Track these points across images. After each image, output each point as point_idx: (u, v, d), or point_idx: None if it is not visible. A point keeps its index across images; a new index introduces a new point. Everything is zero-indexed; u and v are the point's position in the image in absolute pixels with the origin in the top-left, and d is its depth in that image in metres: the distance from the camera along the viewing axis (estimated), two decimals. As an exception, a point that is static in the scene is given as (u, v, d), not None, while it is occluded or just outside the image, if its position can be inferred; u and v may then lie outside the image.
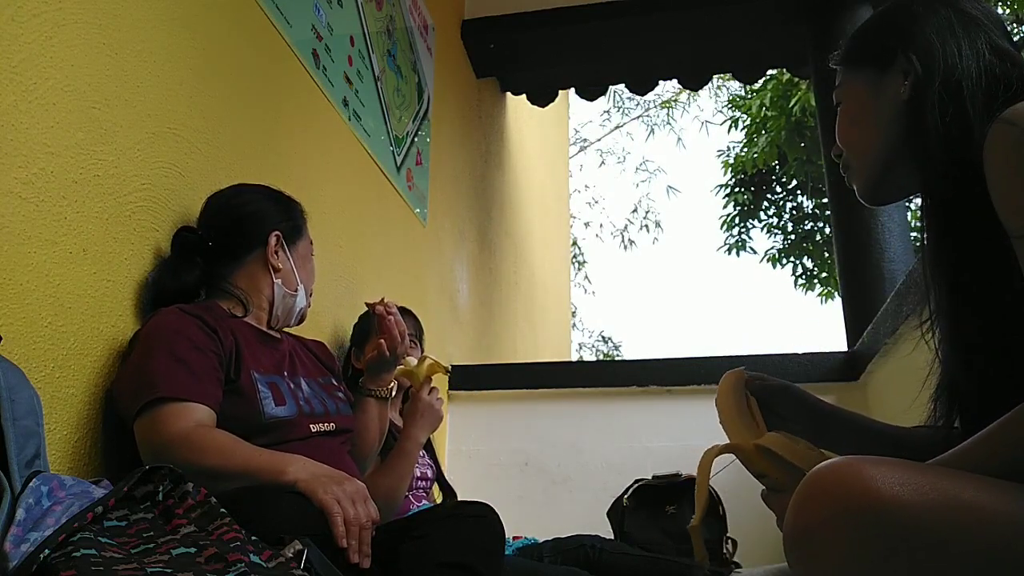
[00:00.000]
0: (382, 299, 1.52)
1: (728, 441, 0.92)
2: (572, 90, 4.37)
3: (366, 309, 1.59)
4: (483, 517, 1.18)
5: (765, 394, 1.00)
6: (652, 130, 11.84)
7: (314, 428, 1.30)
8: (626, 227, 12.25)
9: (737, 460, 0.91)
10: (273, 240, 1.39)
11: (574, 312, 10.71)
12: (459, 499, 1.87)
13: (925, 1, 0.90)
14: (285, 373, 1.35)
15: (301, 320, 1.47)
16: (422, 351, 2.08)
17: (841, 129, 0.97)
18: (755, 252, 8.37)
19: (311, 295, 1.49)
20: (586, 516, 2.25)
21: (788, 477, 0.85)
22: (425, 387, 1.67)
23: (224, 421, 1.17)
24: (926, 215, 0.85)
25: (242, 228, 1.38)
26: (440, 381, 2.74)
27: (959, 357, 0.81)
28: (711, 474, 0.89)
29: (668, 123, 11.66)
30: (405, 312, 2.03)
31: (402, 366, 1.64)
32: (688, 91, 8.76)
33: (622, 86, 4.95)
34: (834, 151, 0.99)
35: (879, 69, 0.90)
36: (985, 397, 0.76)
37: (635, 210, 12.46)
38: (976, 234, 0.77)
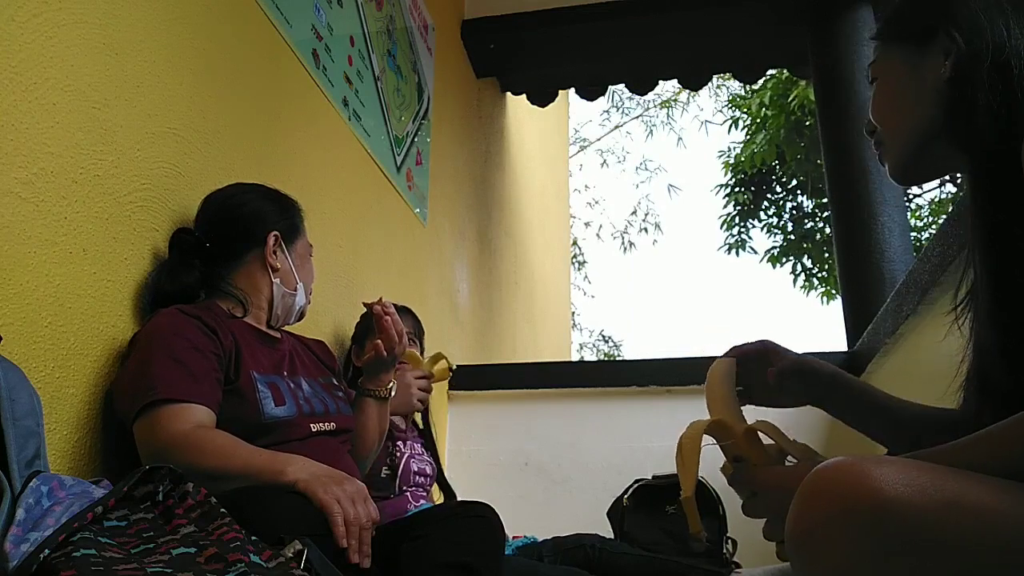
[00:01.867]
0: (380, 299, 1.52)
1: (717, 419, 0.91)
2: (572, 90, 4.37)
3: (366, 309, 1.58)
4: (483, 517, 1.18)
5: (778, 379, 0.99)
6: (651, 131, 11.86)
7: (314, 428, 1.30)
8: (626, 229, 12.26)
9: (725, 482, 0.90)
10: (271, 240, 1.39)
11: (574, 312, 10.71)
12: (459, 499, 1.87)
13: None
14: (285, 373, 1.35)
15: (301, 318, 1.48)
16: (422, 351, 2.08)
17: (876, 106, 0.94)
18: (755, 252, 8.38)
19: (310, 293, 1.49)
20: (586, 516, 2.25)
21: (765, 465, 0.84)
22: (419, 373, 1.69)
23: (224, 422, 1.17)
24: (972, 196, 0.82)
25: (240, 228, 1.38)
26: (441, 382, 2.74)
27: (996, 341, 0.78)
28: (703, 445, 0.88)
29: (668, 123, 11.68)
30: (405, 311, 2.03)
31: (410, 350, 1.66)
32: (688, 91, 8.77)
33: (622, 86, 4.95)
34: (867, 127, 0.96)
35: (918, 46, 0.87)
36: (1019, 384, 0.74)
37: (635, 212, 12.47)
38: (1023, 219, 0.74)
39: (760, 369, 1.00)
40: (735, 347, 1.03)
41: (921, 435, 0.96)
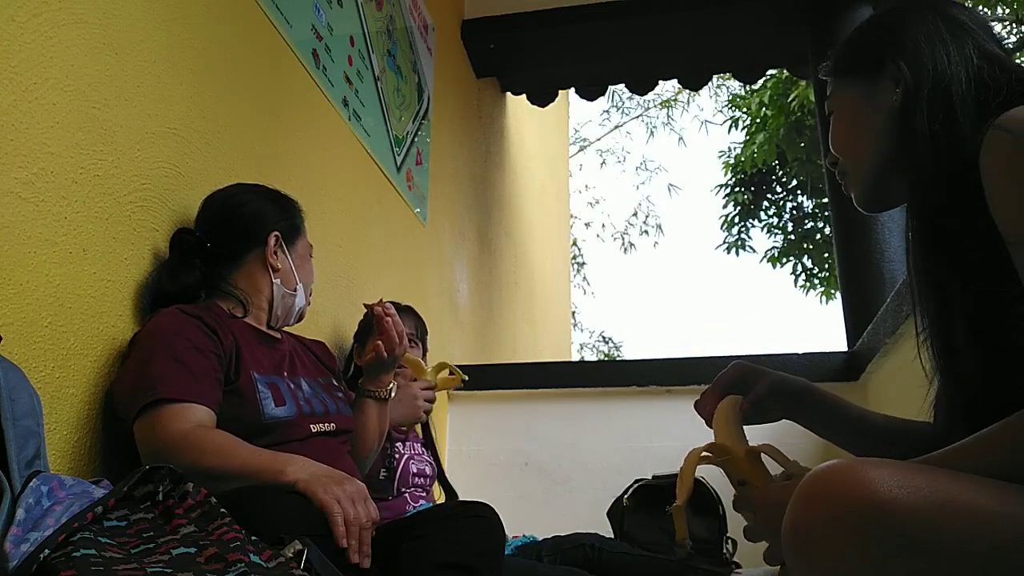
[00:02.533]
0: (380, 300, 1.52)
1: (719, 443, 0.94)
2: (572, 90, 4.37)
3: (366, 309, 1.58)
4: (483, 517, 1.18)
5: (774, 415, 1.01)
6: (652, 132, 11.86)
7: (314, 428, 1.30)
8: (626, 230, 12.26)
9: (718, 467, 0.92)
10: (272, 240, 1.39)
11: (574, 312, 10.70)
12: (459, 499, 1.87)
13: (913, 8, 0.90)
14: (285, 373, 1.35)
15: (301, 318, 1.48)
16: (424, 350, 2.08)
17: (834, 138, 0.97)
18: (755, 251, 8.38)
19: (311, 294, 1.50)
20: (586, 516, 2.25)
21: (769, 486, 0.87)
22: (424, 384, 1.67)
23: (224, 422, 1.17)
24: (914, 223, 0.84)
25: (241, 229, 1.38)
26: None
27: (950, 368, 0.80)
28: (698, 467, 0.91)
29: (668, 123, 11.68)
30: (407, 310, 2.03)
31: (412, 357, 1.64)
32: (688, 91, 8.77)
33: (622, 86, 4.95)
34: (829, 159, 0.99)
35: (870, 78, 0.91)
36: (982, 406, 0.75)
37: (635, 214, 12.47)
38: (965, 242, 0.76)
39: (742, 392, 1.02)
40: (716, 380, 1.05)
41: (893, 446, 0.97)
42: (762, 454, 0.90)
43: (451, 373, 1.98)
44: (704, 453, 0.91)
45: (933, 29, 0.86)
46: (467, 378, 1.64)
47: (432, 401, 1.88)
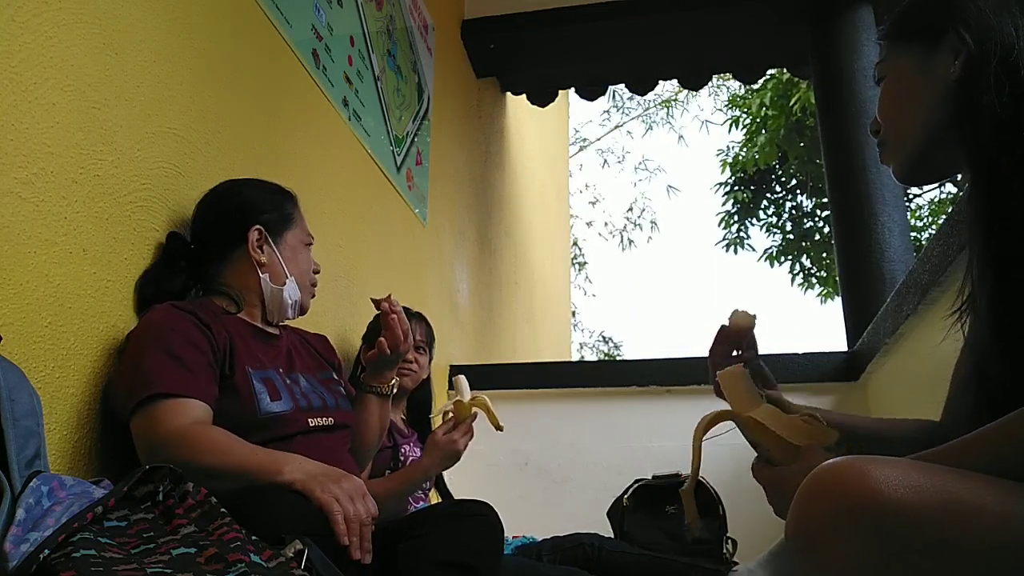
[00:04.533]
0: (388, 296, 1.50)
1: (727, 409, 0.94)
2: (572, 90, 4.37)
3: (372, 309, 1.55)
4: (482, 516, 1.18)
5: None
6: (650, 127, 11.86)
7: (312, 423, 1.29)
8: (625, 227, 12.27)
9: (736, 428, 0.93)
10: (254, 235, 1.36)
11: (574, 312, 10.70)
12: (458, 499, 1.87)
13: None
14: (281, 369, 1.34)
15: (303, 312, 1.45)
16: (431, 358, 2.07)
17: (883, 106, 0.93)
18: (754, 249, 8.38)
19: (314, 285, 1.47)
20: (586, 516, 2.25)
21: (780, 450, 0.86)
22: (460, 429, 1.54)
23: (220, 418, 1.16)
24: (974, 198, 0.81)
25: (223, 227, 1.37)
26: (442, 380, 2.74)
27: (996, 341, 0.77)
28: (704, 438, 0.91)
29: (668, 122, 11.69)
30: (417, 317, 2.02)
31: (459, 400, 1.55)
32: (688, 91, 8.76)
33: (622, 86, 4.94)
34: (872, 126, 0.95)
35: (927, 46, 0.86)
36: (1017, 383, 0.73)
37: (631, 208, 12.49)
38: None
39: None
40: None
41: (886, 447, 0.97)
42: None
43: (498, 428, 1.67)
44: (713, 422, 0.91)
45: (1001, 1, 0.82)
46: (502, 429, 1.56)
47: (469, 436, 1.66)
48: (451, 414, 1.57)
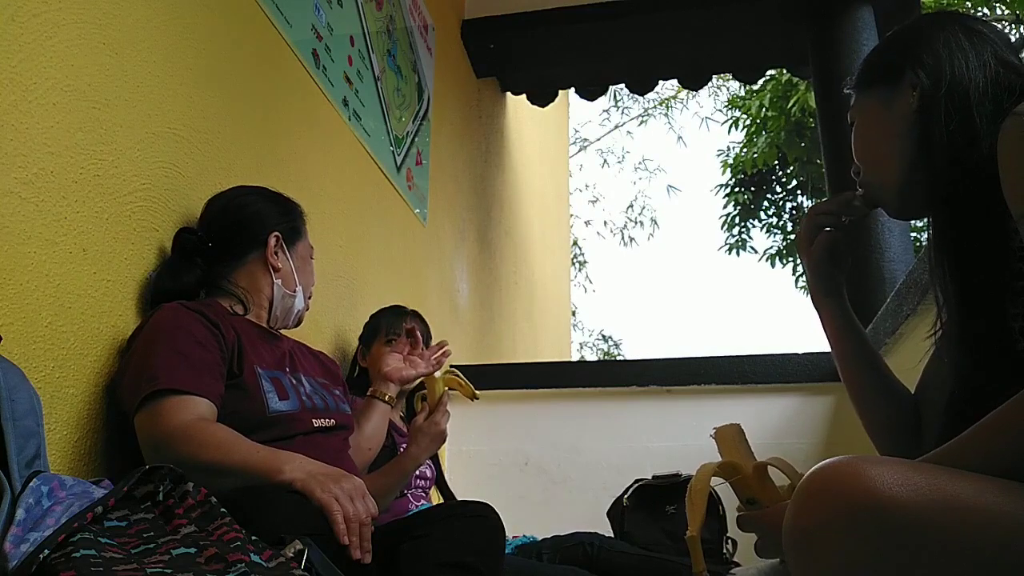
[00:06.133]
0: (442, 343, 1.59)
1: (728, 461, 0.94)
2: (572, 90, 4.37)
3: (372, 308, 1.57)
4: (483, 517, 1.18)
5: None
6: (645, 120, 11.87)
7: (316, 423, 1.31)
8: (625, 225, 12.29)
9: (728, 486, 0.93)
10: (273, 240, 1.39)
11: (574, 312, 10.70)
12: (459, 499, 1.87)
13: (931, 20, 0.93)
14: (287, 369, 1.35)
15: (299, 322, 1.48)
16: None
17: (857, 147, 0.99)
18: (755, 251, 8.38)
19: (310, 298, 1.50)
20: (586, 516, 2.25)
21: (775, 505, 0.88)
22: (438, 410, 1.56)
23: (228, 416, 1.17)
24: (932, 223, 0.86)
25: (243, 229, 1.39)
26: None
27: (971, 362, 0.80)
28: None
29: (667, 122, 11.70)
30: (413, 314, 2.03)
31: (430, 376, 1.59)
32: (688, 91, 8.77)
33: (622, 86, 4.95)
34: (853, 170, 1.01)
35: (889, 85, 0.93)
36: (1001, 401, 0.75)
37: (631, 206, 12.51)
38: (983, 239, 0.77)
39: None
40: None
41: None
42: (770, 467, 0.90)
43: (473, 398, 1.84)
44: (715, 472, 0.92)
45: (951, 37, 0.89)
46: (478, 397, 1.61)
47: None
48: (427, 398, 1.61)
